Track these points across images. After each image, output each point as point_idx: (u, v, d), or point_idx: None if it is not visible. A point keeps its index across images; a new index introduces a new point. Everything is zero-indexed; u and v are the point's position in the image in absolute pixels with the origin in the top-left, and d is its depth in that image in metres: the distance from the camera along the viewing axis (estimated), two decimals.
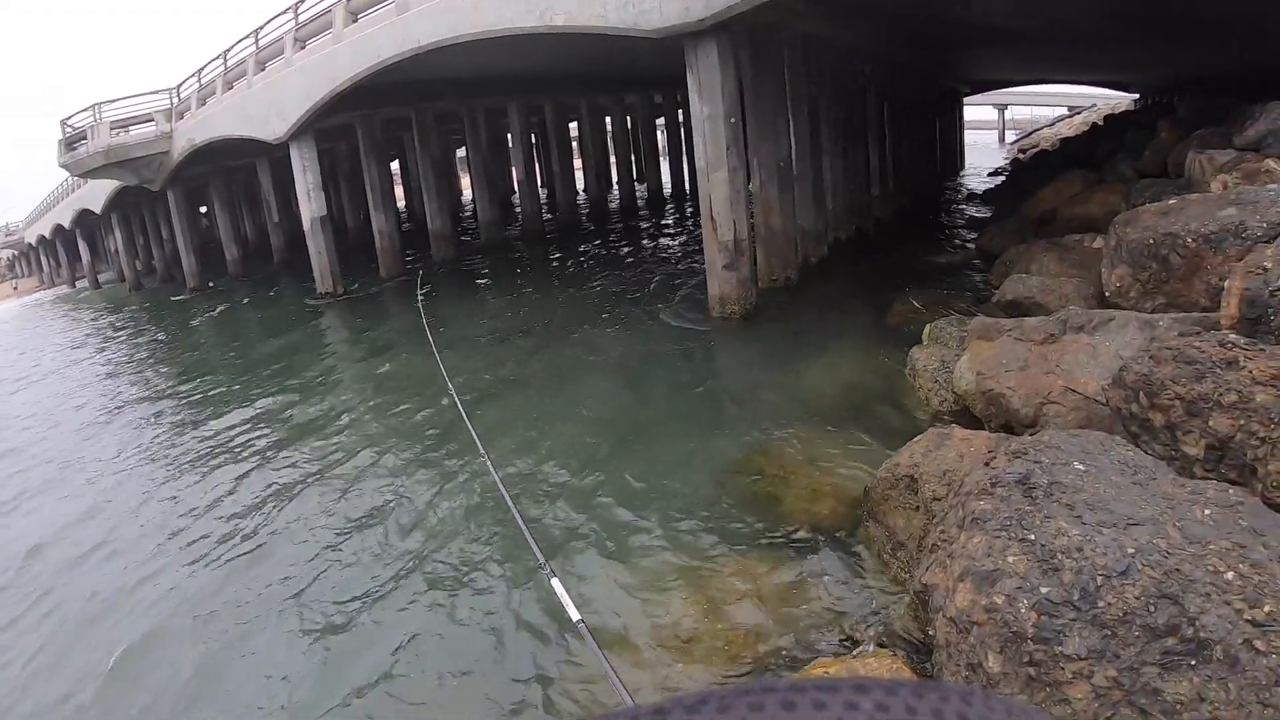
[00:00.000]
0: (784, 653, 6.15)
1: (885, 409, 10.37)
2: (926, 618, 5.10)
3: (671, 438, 11.01)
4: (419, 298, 19.67)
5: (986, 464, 5.31)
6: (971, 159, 47.51)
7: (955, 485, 5.62)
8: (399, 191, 50.27)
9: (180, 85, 32.64)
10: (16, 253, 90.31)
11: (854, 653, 5.60)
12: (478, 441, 8.38)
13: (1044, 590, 4.17)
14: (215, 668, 7.53)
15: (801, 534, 7.71)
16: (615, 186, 45.48)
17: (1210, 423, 5.37)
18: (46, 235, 67.46)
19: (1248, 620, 3.86)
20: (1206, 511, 4.44)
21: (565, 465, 10.67)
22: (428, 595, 8.01)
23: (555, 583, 5.50)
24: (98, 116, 33.11)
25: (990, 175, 39.34)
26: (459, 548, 8.88)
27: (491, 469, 7.58)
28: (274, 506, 11.23)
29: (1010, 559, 4.37)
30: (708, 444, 10.53)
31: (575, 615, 5.18)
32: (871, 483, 7.03)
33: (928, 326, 11.18)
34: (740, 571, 7.28)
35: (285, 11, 25.94)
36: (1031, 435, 5.75)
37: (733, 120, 15.61)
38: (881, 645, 5.72)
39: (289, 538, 10.11)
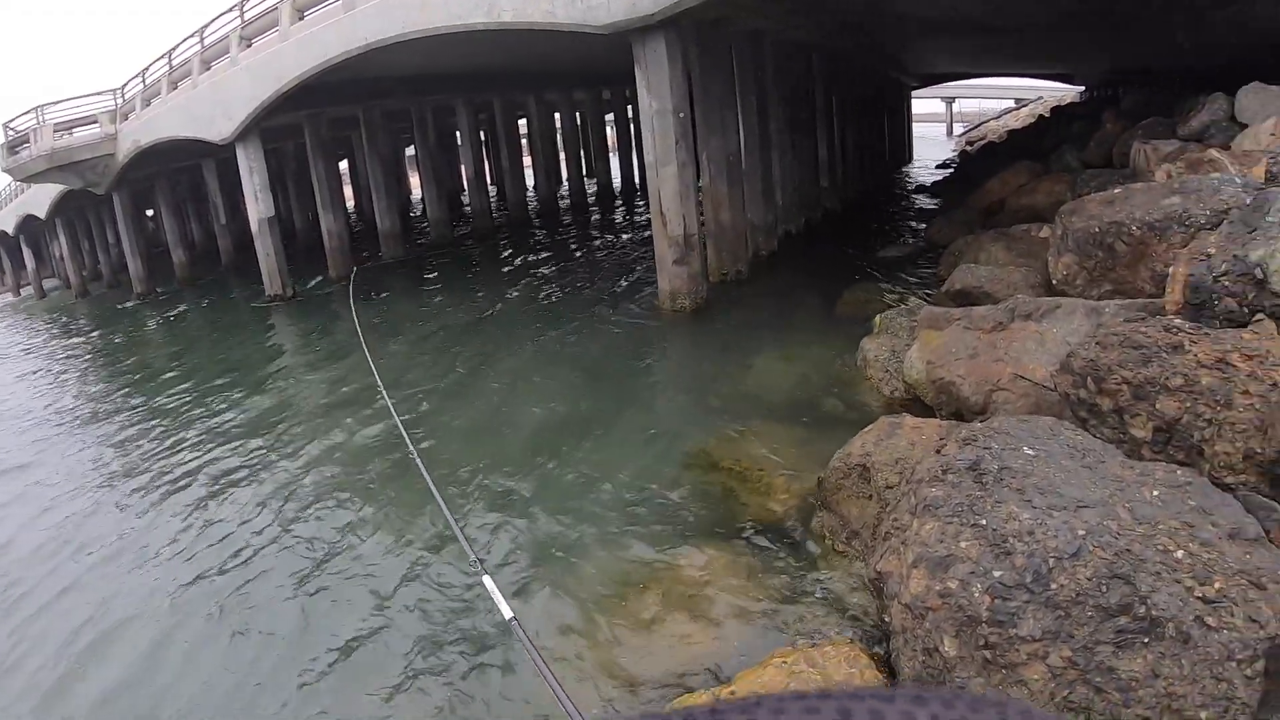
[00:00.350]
0: (741, 644, 6.15)
1: (837, 400, 10.40)
2: (882, 604, 5.13)
3: (622, 433, 10.99)
4: (353, 308, 19.50)
5: (938, 451, 5.34)
6: (920, 151, 47.92)
7: (907, 473, 5.65)
8: (348, 191, 49.84)
9: (125, 86, 31.90)
10: None
11: (812, 642, 5.61)
12: (409, 442, 8.39)
13: (997, 574, 4.20)
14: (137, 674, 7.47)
15: (755, 525, 7.72)
16: (565, 183, 45.33)
17: (1157, 405, 5.44)
18: None
19: (1198, 597, 3.91)
20: (1155, 492, 4.50)
21: (512, 463, 10.58)
22: (362, 599, 7.92)
23: (487, 580, 5.47)
24: (40, 119, 32.16)
25: (938, 167, 39.69)
26: (390, 549, 8.82)
27: (422, 469, 7.56)
28: (202, 512, 11.13)
29: (963, 544, 4.40)
30: (659, 438, 10.52)
31: (507, 613, 5.18)
32: (825, 473, 7.05)
33: (878, 317, 11.26)
34: (694, 564, 7.28)
35: (230, 10, 25.57)
36: (982, 422, 5.79)
37: (681, 115, 15.61)
38: (838, 633, 5.74)
39: (215, 544, 10.00)
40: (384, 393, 10.75)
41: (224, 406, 16.42)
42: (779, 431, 9.74)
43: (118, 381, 22.20)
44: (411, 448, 8.08)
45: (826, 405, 10.31)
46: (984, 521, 4.43)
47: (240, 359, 20.81)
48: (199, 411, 16.49)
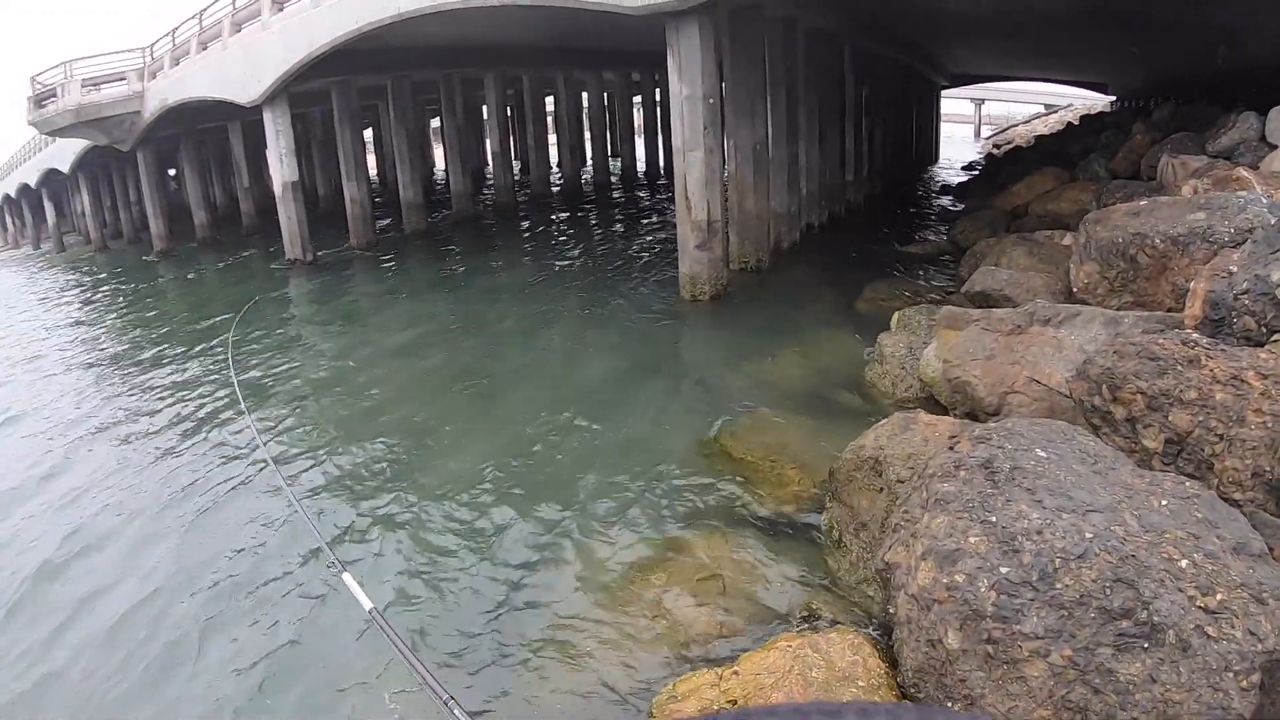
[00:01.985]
0: (746, 628, 6.23)
1: (851, 394, 10.47)
2: (888, 595, 5.20)
3: (635, 417, 11.07)
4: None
5: (951, 448, 5.40)
6: (947, 152, 47.82)
7: (919, 468, 5.71)
8: (371, 161, 49.88)
9: (154, 44, 32.00)
10: None
11: (816, 629, 5.69)
12: (264, 450, 8.47)
13: (1004, 570, 4.27)
14: None
15: (765, 513, 7.80)
16: (589, 163, 45.28)
17: (1170, 418, 5.50)
18: (11, 195, 65.56)
19: (1200, 607, 3.98)
20: (1163, 502, 4.55)
21: (523, 444, 10.66)
22: (228, 603, 7.76)
23: (346, 577, 5.50)
24: (68, 74, 32.41)
25: (964, 169, 39.58)
26: (231, 551, 8.69)
27: (282, 479, 7.62)
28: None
29: (972, 539, 4.46)
30: (673, 423, 10.61)
31: (367, 605, 5.25)
32: (837, 464, 7.11)
33: (896, 314, 11.30)
34: (702, 549, 7.35)
35: None
36: (996, 423, 5.85)
37: (711, 101, 15.62)
38: (843, 622, 5.82)
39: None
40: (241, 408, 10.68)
41: (221, 362, 16.54)
42: (792, 422, 9.81)
43: (128, 332, 22.58)
44: (273, 464, 8.24)
45: (841, 399, 10.38)
46: (994, 518, 4.49)
47: (252, 318, 20.89)
48: (193, 366, 16.99)
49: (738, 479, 8.65)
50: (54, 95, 32.84)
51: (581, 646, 6.35)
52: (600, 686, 5.90)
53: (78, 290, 34.10)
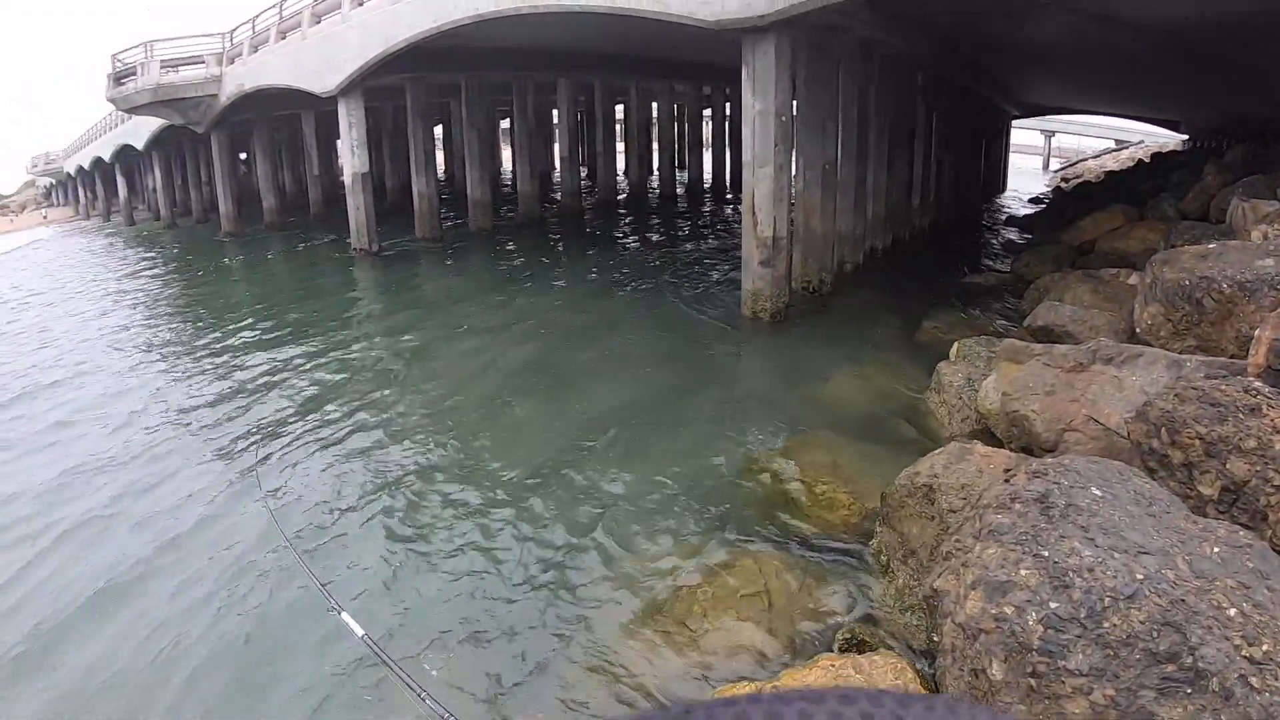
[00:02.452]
0: (789, 647, 6.30)
1: (907, 422, 10.48)
2: (933, 623, 5.23)
3: (690, 429, 11.13)
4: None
5: (1007, 480, 5.43)
6: (1014, 182, 47.38)
7: (973, 498, 5.75)
8: (440, 157, 50.35)
9: (233, 30, 32.74)
10: (54, 181, 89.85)
11: (859, 653, 5.74)
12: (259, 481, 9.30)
13: (1053, 605, 4.30)
14: None
15: (814, 534, 7.86)
16: (656, 173, 45.39)
17: (1227, 465, 5.49)
18: (85, 167, 67.37)
19: (1245, 657, 3.98)
20: (1215, 549, 4.56)
21: (573, 451, 10.78)
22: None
23: (345, 616, 5.57)
24: (149, 54, 33.36)
25: (1031, 201, 39.24)
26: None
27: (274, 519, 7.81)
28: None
29: (1023, 572, 4.50)
30: (727, 438, 10.65)
31: (360, 631, 5.34)
32: (889, 490, 7.14)
33: (957, 344, 11.28)
34: (749, 566, 7.41)
35: None
36: (1052, 459, 5.87)
37: (783, 118, 15.67)
38: (887, 647, 5.86)
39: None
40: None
41: (284, 342, 17.47)
42: (847, 445, 9.85)
43: (193, 308, 23.80)
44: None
45: (896, 425, 10.40)
46: (1046, 553, 4.52)
47: (316, 304, 21.46)
48: (250, 343, 17.83)
49: (788, 498, 8.71)
50: (133, 74, 33.76)
51: (618, 657, 6.45)
52: (636, 699, 5.99)
53: (151, 263, 35.55)
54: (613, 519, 8.81)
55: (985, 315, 15.39)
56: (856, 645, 5.91)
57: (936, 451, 7.09)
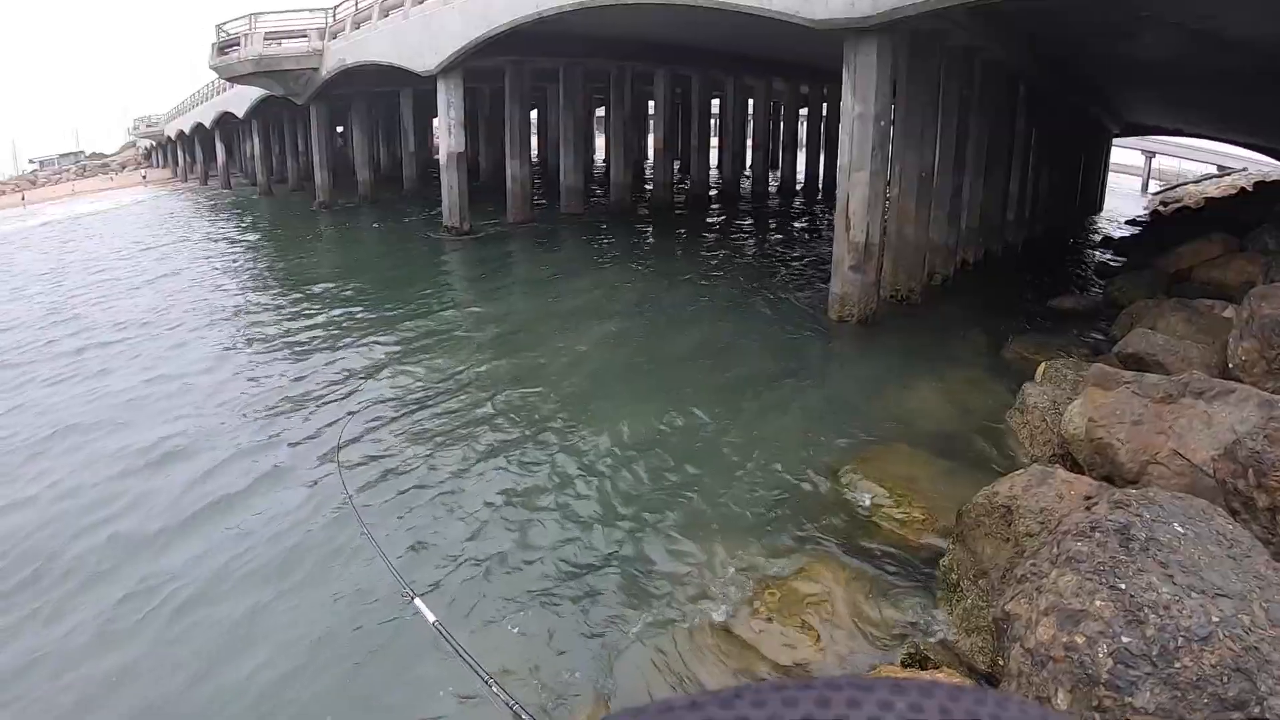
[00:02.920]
0: (849, 657, 6.28)
1: (987, 440, 10.33)
2: (1000, 646, 5.19)
3: (767, 431, 11.11)
4: None
5: (1088, 508, 5.36)
6: (1111, 203, 46.36)
7: (1051, 523, 5.68)
8: (533, 141, 50.78)
9: (336, 6, 33.52)
10: (153, 144, 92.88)
11: (921, 668, 5.71)
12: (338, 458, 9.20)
13: (1125, 640, 4.25)
14: None
15: (885, 546, 7.83)
16: (749, 170, 45.16)
17: None
18: (185, 131, 69.83)
19: None
20: None
21: (658, 436, 10.93)
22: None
23: (418, 602, 5.65)
24: (252, 25, 34.38)
25: (1128, 223, 38.31)
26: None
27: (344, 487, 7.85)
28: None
29: (1098, 603, 4.45)
30: (804, 443, 10.61)
31: (431, 617, 5.39)
32: (966, 507, 7.07)
33: (1044, 365, 11.12)
34: (817, 572, 7.42)
35: None
36: (1135, 490, 5.78)
37: (882, 123, 15.52)
38: (950, 666, 5.82)
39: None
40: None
41: (373, 312, 18.22)
42: (925, 459, 9.78)
43: (286, 273, 25.07)
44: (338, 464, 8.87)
45: (976, 443, 10.27)
46: (1123, 586, 4.47)
47: (404, 277, 22.42)
48: (339, 311, 18.54)
49: (863, 507, 8.68)
50: (237, 44, 34.77)
51: (680, 652, 6.52)
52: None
53: (248, 227, 37.52)
54: (687, 511, 8.89)
55: (1074, 338, 15.06)
56: (919, 661, 5.88)
57: (1017, 473, 7.01)
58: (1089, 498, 5.86)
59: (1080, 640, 4.36)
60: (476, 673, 4.93)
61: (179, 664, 6.93)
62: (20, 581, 8.30)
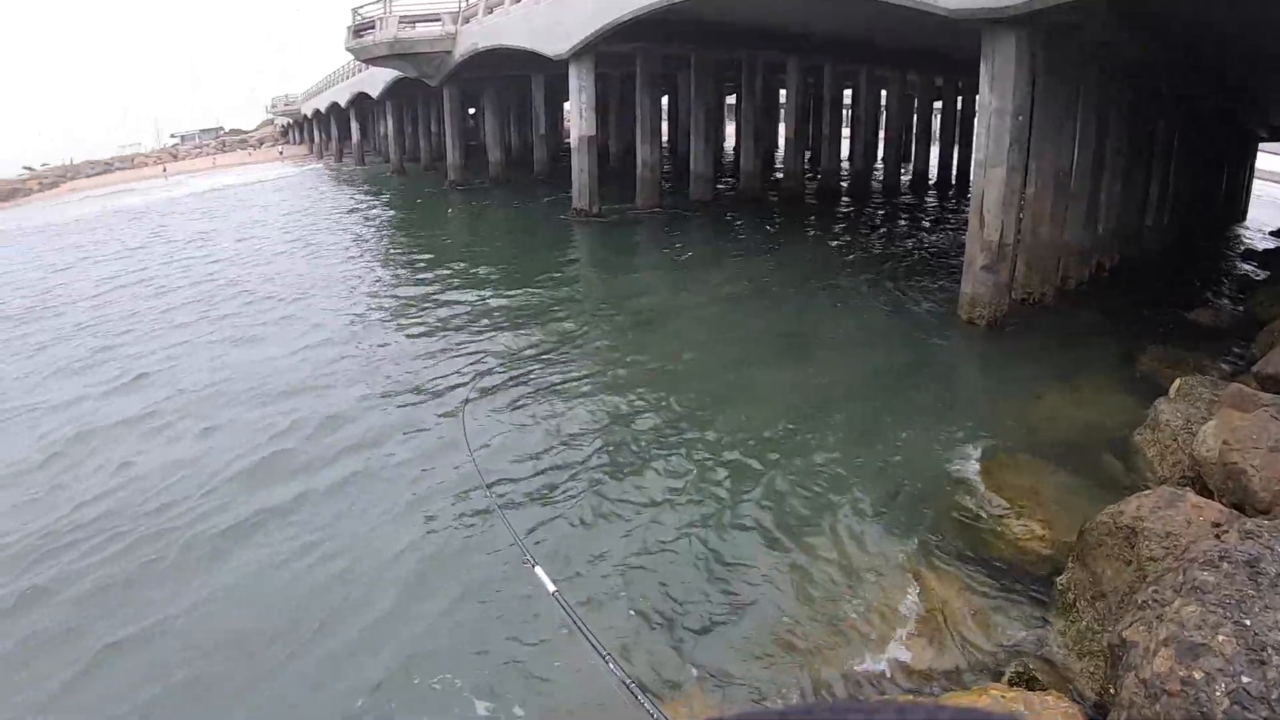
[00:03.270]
0: (956, 671, 6.16)
1: (1114, 457, 9.95)
2: (1113, 673, 5.02)
3: (889, 430, 10.93)
4: None
5: (1217, 536, 5.15)
6: (1255, 212, 44.40)
7: (1177, 549, 5.47)
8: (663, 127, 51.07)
9: None
10: (291, 121, 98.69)
11: (1029, 689, 5.55)
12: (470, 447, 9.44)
13: (1245, 679, 4.07)
14: None
15: (1001, 559, 7.64)
16: (880, 163, 44.44)
17: None
18: (321, 110, 73.58)
19: None
20: None
21: (780, 429, 10.90)
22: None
23: (538, 570, 5.65)
24: (387, 9, 35.65)
25: (1273, 234, 36.66)
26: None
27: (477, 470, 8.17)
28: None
29: (1220, 638, 4.27)
30: (926, 445, 10.42)
31: (550, 587, 5.37)
32: (1088, 526, 6.83)
33: (1178, 381, 10.69)
34: (929, 581, 7.31)
35: None
36: (1268, 521, 5.52)
37: (1020, 118, 15.08)
38: (1059, 689, 5.65)
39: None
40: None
41: (503, 289, 19.03)
42: (1048, 471, 9.51)
43: (420, 247, 26.49)
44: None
45: (1102, 458, 9.89)
46: (1248, 622, 4.28)
47: (533, 256, 23.47)
48: (470, 286, 19.61)
49: (981, 517, 8.50)
50: (372, 27, 36.18)
51: (775, 657, 6.47)
52: (787, 699, 5.97)
53: (384, 203, 39.85)
54: (805, 504, 8.88)
55: (1211, 354, 14.39)
56: (1026, 681, 5.72)
57: (1144, 493, 6.76)
58: (1218, 525, 5.62)
59: (1198, 675, 4.18)
60: (594, 646, 4.97)
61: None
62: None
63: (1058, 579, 7.08)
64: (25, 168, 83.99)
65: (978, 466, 9.66)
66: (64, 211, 49.85)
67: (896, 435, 10.63)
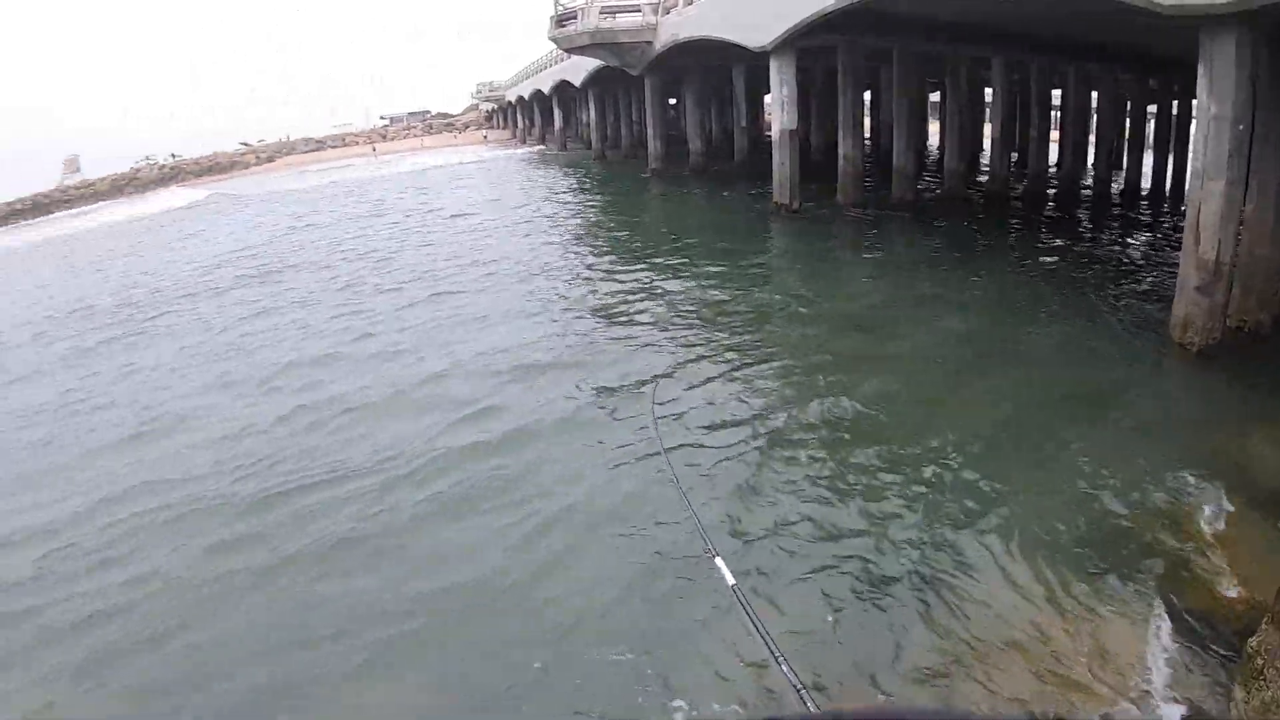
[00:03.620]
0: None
1: None
2: None
3: (1092, 450, 10.46)
4: None
5: None
6: None
7: None
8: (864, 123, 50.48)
9: None
10: (495, 107, 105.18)
11: None
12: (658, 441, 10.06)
13: None
14: None
15: (1187, 610, 7.17)
16: (1090, 168, 41.89)
17: None
18: (525, 97, 77.40)
19: None
20: None
21: (973, 449, 10.64)
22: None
23: (719, 561, 5.59)
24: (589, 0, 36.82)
25: None
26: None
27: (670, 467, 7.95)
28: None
29: None
30: (1126, 471, 9.85)
31: (730, 580, 5.29)
32: None
33: None
34: (1104, 626, 6.98)
35: None
36: None
37: (1241, 127, 13.92)
38: None
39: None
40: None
41: (701, 279, 19.87)
42: (1255, 519, 8.81)
43: (621, 232, 28.44)
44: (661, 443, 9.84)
45: None
46: None
47: (732, 248, 24.00)
48: (668, 273, 20.63)
49: (1172, 560, 8.01)
50: (574, 17, 37.62)
51: (946, 669, 6.52)
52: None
53: (590, 187, 43.07)
54: (991, 524, 8.74)
55: None
56: None
57: None
58: None
59: None
60: (768, 646, 4.94)
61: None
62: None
63: (1250, 640, 6.57)
64: (242, 143, 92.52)
65: (1178, 507, 9.07)
66: (286, 183, 57.98)
67: (1095, 460, 10.15)
